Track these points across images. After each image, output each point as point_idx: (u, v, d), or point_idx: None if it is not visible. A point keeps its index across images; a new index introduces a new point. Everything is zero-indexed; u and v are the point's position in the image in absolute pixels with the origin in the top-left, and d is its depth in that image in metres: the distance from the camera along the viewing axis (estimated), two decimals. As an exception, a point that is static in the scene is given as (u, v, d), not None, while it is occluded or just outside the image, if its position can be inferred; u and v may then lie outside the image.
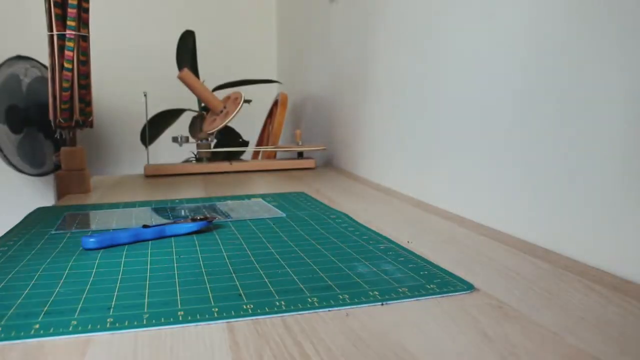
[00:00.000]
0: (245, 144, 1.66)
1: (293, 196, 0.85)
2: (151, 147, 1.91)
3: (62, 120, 0.95)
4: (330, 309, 0.39)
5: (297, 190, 0.93)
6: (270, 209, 0.75)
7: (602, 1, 0.48)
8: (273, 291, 0.43)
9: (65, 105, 0.96)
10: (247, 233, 0.62)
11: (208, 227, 0.64)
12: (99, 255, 0.53)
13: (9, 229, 0.67)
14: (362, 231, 0.62)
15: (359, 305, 0.40)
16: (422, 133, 0.85)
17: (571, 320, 0.37)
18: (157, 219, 0.69)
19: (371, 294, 0.42)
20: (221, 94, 1.35)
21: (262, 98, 1.85)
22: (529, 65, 0.58)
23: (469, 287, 0.44)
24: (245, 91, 1.29)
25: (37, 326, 0.36)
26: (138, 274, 0.47)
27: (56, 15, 0.97)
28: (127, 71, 1.93)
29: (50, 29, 0.98)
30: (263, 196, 0.86)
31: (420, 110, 0.85)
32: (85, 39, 1.00)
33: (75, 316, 0.38)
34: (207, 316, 0.38)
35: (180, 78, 1.25)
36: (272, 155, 1.47)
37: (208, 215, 0.67)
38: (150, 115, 1.60)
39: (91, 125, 0.99)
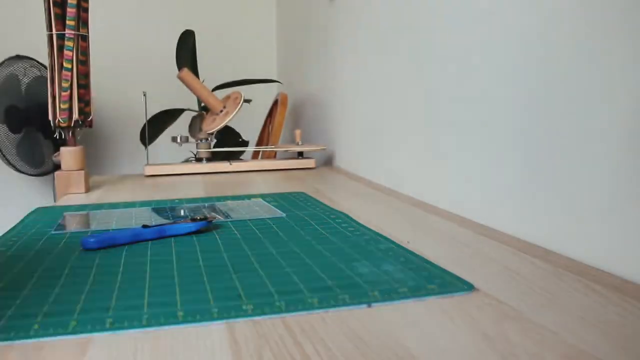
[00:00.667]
0: (245, 143, 1.66)
1: (293, 196, 0.85)
2: (151, 147, 1.91)
3: (61, 120, 0.95)
4: (329, 309, 0.39)
5: (297, 190, 0.92)
6: (270, 209, 0.75)
7: (604, 1, 0.48)
8: (273, 291, 0.42)
9: (65, 105, 0.95)
10: (247, 233, 0.62)
11: (208, 227, 0.64)
12: (98, 255, 0.53)
13: (8, 228, 0.67)
14: (362, 231, 0.62)
15: (359, 306, 0.40)
16: (422, 133, 0.85)
17: (571, 320, 0.37)
18: (157, 219, 0.69)
19: (371, 293, 0.42)
20: (221, 94, 1.35)
21: (262, 98, 1.85)
22: (529, 66, 0.58)
23: (469, 287, 0.43)
24: (245, 91, 1.29)
25: (36, 327, 0.36)
26: (138, 274, 0.47)
27: (55, 14, 0.97)
28: (127, 71, 1.93)
29: (49, 28, 0.98)
30: (263, 196, 0.86)
31: (420, 110, 0.85)
32: (85, 38, 1.00)
33: (75, 316, 0.38)
34: (207, 316, 0.38)
35: (180, 78, 1.25)
36: (272, 155, 1.47)
37: (208, 215, 0.67)
38: (150, 115, 1.60)
39: (90, 125, 0.99)
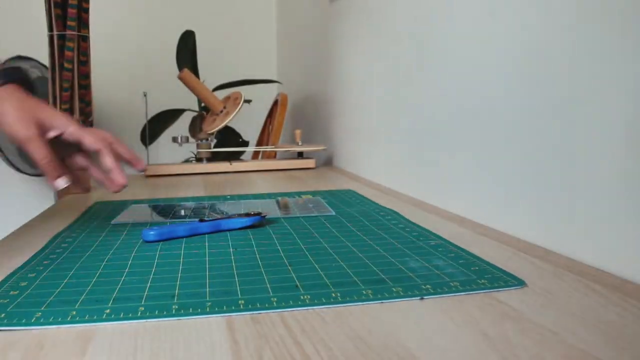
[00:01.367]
0: (245, 144, 1.66)
1: (342, 194, 0.88)
2: (151, 147, 1.91)
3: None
4: (382, 301, 0.40)
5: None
6: (321, 206, 0.77)
7: (604, 2, 0.48)
8: (329, 283, 0.44)
9: (65, 106, 0.96)
10: (299, 228, 0.64)
11: (261, 222, 0.66)
12: (159, 247, 0.56)
13: (9, 228, 0.68)
14: (412, 227, 0.63)
15: (411, 299, 0.41)
16: (422, 133, 0.85)
17: (571, 320, 0.37)
18: (211, 215, 0.72)
19: (424, 287, 0.43)
20: (221, 94, 1.35)
21: (262, 98, 1.85)
22: (529, 66, 0.58)
23: (519, 282, 0.44)
24: (245, 91, 1.29)
25: (108, 311, 0.39)
26: (198, 265, 0.50)
27: (56, 15, 0.97)
28: (128, 71, 1.93)
29: (50, 29, 0.99)
30: (312, 193, 0.87)
31: (420, 110, 0.85)
32: (85, 39, 1.00)
33: (142, 303, 0.40)
34: (266, 305, 0.39)
35: (181, 78, 1.25)
36: (272, 155, 1.47)
37: (261, 211, 0.69)
38: (150, 116, 1.60)
39: (91, 125, 0.99)
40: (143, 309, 0.39)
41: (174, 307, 0.39)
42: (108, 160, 0.58)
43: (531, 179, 0.59)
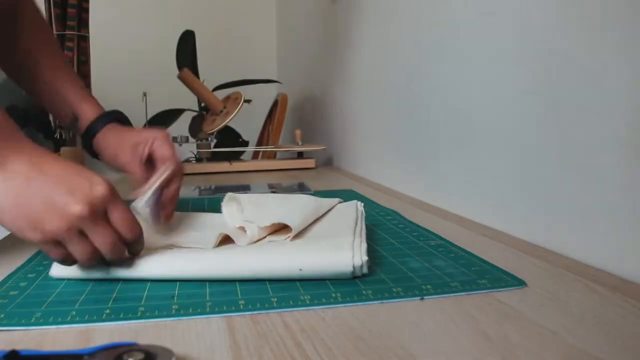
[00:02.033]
0: (245, 144, 1.66)
1: (342, 194, 0.87)
2: (151, 147, 1.90)
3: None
4: (382, 301, 0.40)
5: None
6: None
7: (604, 3, 0.48)
8: (328, 283, 0.44)
9: (65, 105, 0.95)
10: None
11: None
12: None
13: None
14: (413, 228, 0.63)
15: (411, 299, 0.41)
16: (422, 133, 0.85)
17: (571, 320, 0.37)
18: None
19: (424, 287, 0.43)
20: (221, 94, 1.35)
21: (262, 98, 1.85)
22: (529, 66, 0.58)
23: (520, 282, 0.44)
24: (245, 91, 1.29)
25: (107, 311, 0.39)
26: None
27: (56, 15, 0.97)
28: (127, 71, 1.93)
29: (50, 29, 0.98)
30: (312, 193, 0.87)
31: (420, 110, 0.85)
32: (85, 39, 1.00)
33: (142, 303, 0.41)
34: (266, 305, 0.40)
35: (180, 78, 1.25)
36: (272, 155, 1.47)
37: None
38: (150, 116, 1.60)
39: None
40: (143, 309, 0.39)
41: (174, 307, 0.39)
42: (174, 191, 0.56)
43: (531, 179, 0.59)
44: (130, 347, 0.30)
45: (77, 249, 0.41)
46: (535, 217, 0.58)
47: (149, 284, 0.44)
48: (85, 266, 0.43)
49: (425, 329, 0.36)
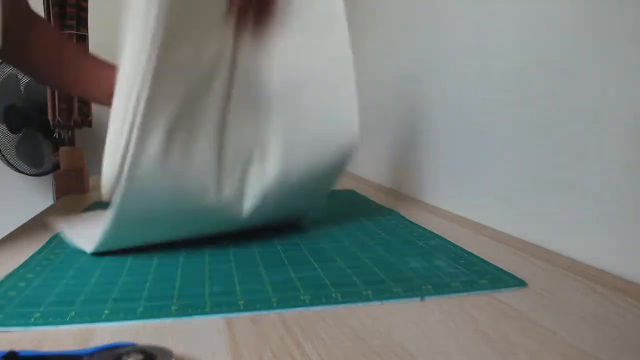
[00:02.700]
0: (245, 143, 1.66)
1: (342, 194, 0.88)
2: (150, 147, 1.90)
3: (60, 120, 0.95)
4: (382, 301, 0.40)
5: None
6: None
7: (607, 1, 0.48)
8: (328, 284, 0.44)
9: (64, 105, 0.95)
10: (299, 227, 0.63)
11: None
12: (159, 246, 0.54)
13: (8, 228, 0.67)
14: (413, 228, 0.63)
15: (411, 299, 0.41)
16: (421, 132, 0.85)
17: (571, 320, 0.37)
18: None
19: (424, 287, 0.43)
20: (220, 94, 1.35)
21: (261, 98, 1.85)
22: (529, 67, 0.58)
23: (521, 283, 0.44)
24: (244, 91, 1.29)
25: (107, 311, 0.38)
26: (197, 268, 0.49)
27: (54, 14, 0.97)
28: (126, 71, 1.92)
29: (49, 28, 0.98)
30: None
31: (420, 110, 0.85)
32: (84, 38, 1.00)
33: (142, 303, 0.40)
34: (266, 305, 0.39)
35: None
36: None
37: None
38: (149, 115, 1.60)
39: (90, 125, 0.99)
40: (142, 309, 0.39)
41: (173, 307, 0.39)
42: None
43: (531, 179, 0.59)
44: (130, 348, 0.30)
45: None
46: (535, 217, 0.58)
47: (148, 283, 0.44)
48: None
49: (425, 329, 0.36)
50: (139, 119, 0.43)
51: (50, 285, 0.44)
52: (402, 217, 0.69)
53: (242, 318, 0.38)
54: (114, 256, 0.53)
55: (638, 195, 0.45)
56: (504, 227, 0.63)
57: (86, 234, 0.48)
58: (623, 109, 0.47)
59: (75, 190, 0.94)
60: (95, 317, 0.37)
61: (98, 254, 0.53)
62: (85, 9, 0.99)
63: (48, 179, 1.86)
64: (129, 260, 0.51)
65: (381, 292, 0.42)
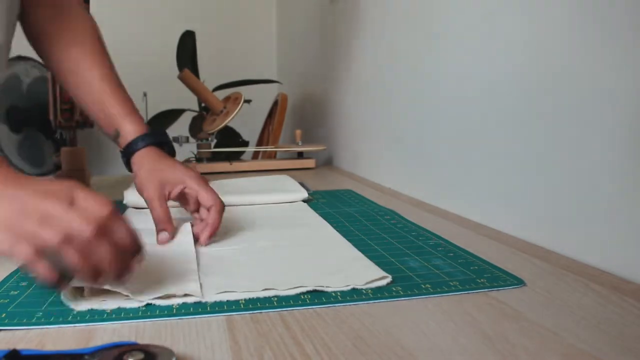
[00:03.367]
0: (245, 144, 1.66)
1: (342, 194, 0.88)
2: (151, 147, 1.90)
3: (62, 121, 0.95)
4: (382, 300, 0.41)
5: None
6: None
7: (605, 2, 0.48)
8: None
9: (66, 106, 0.96)
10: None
11: None
12: None
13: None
14: (411, 227, 0.63)
15: (412, 297, 0.41)
16: (422, 133, 0.85)
17: (571, 320, 0.37)
18: None
19: (423, 286, 0.43)
20: (221, 94, 1.35)
21: (262, 98, 1.85)
22: (528, 66, 0.58)
23: (519, 281, 0.44)
24: (245, 91, 1.29)
25: (108, 311, 0.37)
26: None
27: (56, 15, 0.97)
28: (128, 72, 1.93)
29: (50, 29, 0.98)
30: (312, 193, 0.87)
31: (420, 110, 0.85)
32: (86, 39, 1.00)
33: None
34: (266, 305, 0.40)
35: (181, 78, 1.25)
36: (272, 156, 1.47)
37: None
38: (150, 116, 1.60)
39: (91, 125, 0.99)
40: (143, 308, 0.39)
41: (174, 307, 0.39)
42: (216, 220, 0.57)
43: (531, 179, 0.59)
44: (131, 347, 0.30)
45: (73, 258, 0.35)
46: (535, 217, 0.58)
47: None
48: (84, 279, 0.37)
49: (424, 328, 0.36)
50: None
51: (52, 285, 0.44)
52: (400, 216, 0.69)
53: (242, 317, 0.38)
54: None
55: (638, 195, 0.45)
56: (503, 226, 0.63)
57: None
58: (624, 109, 0.47)
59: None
60: (97, 317, 0.38)
61: None
62: (87, 10, 0.99)
63: (49, 180, 1.86)
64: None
65: (380, 291, 0.42)
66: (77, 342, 0.34)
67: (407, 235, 0.59)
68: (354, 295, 0.41)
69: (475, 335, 0.35)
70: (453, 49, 0.75)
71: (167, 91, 1.81)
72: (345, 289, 0.42)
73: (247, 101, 1.39)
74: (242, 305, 0.39)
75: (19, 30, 0.73)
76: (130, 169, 0.64)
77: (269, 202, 0.78)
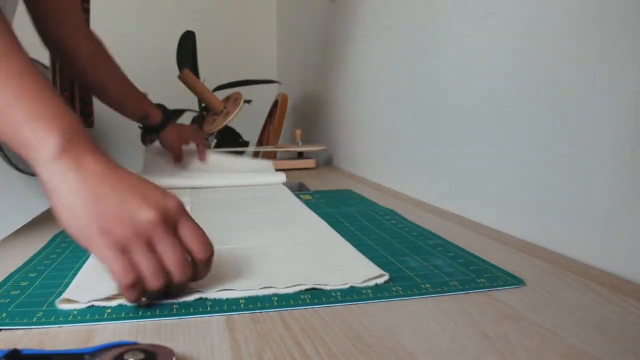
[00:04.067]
0: (245, 144, 1.66)
1: (342, 194, 0.88)
2: (151, 147, 1.90)
3: (62, 121, 0.95)
4: (382, 300, 0.41)
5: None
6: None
7: (605, 2, 0.48)
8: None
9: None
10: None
11: None
12: None
13: (10, 227, 0.68)
14: (411, 227, 0.63)
15: (412, 297, 0.41)
16: (421, 133, 0.85)
17: (571, 320, 0.37)
18: None
19: (423, 286, 0.43)
20: (221, 94, 1.35)
21: (262, 98, 1.85)
22: (529, 65, 0.59)
23: (518, 281, 0.44)
24: (245, 91, 1.29)
25: (109, 310, 0.37)
26: None
27: (56, 15, 0.97)
28: (127, 71, 1.93)
29: (50, 29, 0.98)
30: (312, 193, 0.88)
31: (420, 110, 0.85)
32: (86, 39, 0.99)
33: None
34: (266, 305, 0.40)
35: (181, 79, 1.25)
36: (272, 155, 1.47)
37: None
38: (150, 115, 1.60)
39: (92, 125, 0.99)
40: (144, 308, 0.39)
41: (174, 306, 0.39)
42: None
43: (531, 179, 0.59)
44: (131, 347, 0.30)
45: (143, 260, 0.37)
46: (535, 217, 0.58)
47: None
48: (151, 286, 0.38)
49: (424, 328, 0.36)
50: None
51: (53, 285, 0.44)
52: (400, 216, 0.69)
53: (242, 317, 0.38)
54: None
55: (638, 195, 0.45)
56: (504, 226, 0.63)
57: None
58: (624, 108, 0.47)
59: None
60: (97, 317, 0.38)
61: None
62: (88, 10, 0.99)
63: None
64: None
65: (380, 291, 0.42)
66: (77, 342, 0.34)
67: (407, 235, 0.59)
68: (354, 295, 0.41)
69: (475, 335, 0.35)
70: (453, 49, 0.75)
71: (167, 91, 1.81)
72: (343, 287, 0.42)
73: (247, 101, 1.39)
74: (242, 305, 0.40)
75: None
76: (145, 142, 1.05)
77: (249, 183, 0.96)
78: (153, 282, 0.38)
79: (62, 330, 0.36)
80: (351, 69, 1.18)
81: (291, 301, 0.40)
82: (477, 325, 0.36)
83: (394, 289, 0.43)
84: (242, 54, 2.10)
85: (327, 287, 0.42)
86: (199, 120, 1.33)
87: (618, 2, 0.47)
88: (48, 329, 0.36)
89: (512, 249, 0.55)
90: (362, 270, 0.45)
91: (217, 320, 0.37)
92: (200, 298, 0.41)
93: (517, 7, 0.60)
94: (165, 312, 0.38)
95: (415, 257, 0.51)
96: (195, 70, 1.55)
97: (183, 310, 0.39)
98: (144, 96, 1.00)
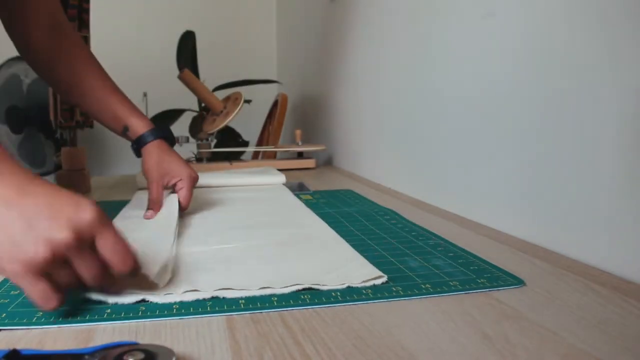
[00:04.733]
0: (245, 144, 1.66)
1: (342, 194, 0.88)
2: (151, 147, 1.90)
3: (62, 121, 0.95)
4: (382, 300, 0.41)
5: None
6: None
7: (601, 2, 0.48)
8: None
9: (66, 106, 0.96)
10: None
11: None
12: None
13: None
14: (411, 227, 0.63)
15: (412, 297, 0.41)
16: (421, 133, 0.85)
17: (571, 320, 0.37)
18: None
19: (423, 286, 0.43)
20: (221, 94, 1.35)
21: (262, 98, 1.85)
22: (528, 65, 0.58)
23: (519, 281, 0.44)
24: (245, 91, 1.29)
25: (108, 311, 0.37)
26: None
27: (56, 15, 0.97)
28: (128, 72, 1.93)
29: (50, 29, 0.98)
30: (312, 193, 0.88)
31: (420, 111, 0.85)
32: (86, 39, 1.00)
33: (142, 302, 0.39)
34: (266, 305, 0.40)
35: (181, 79, 1.25)
36: (272, 155, 1.47)
37: None
38: (150, 116, 1.60)
39: (91, 125, 0.99)
40: (144, 308, 0.39)
41: (174, 306, 0.39)
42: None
43: (531, 179, 0.59)
44: (131, 347, 0.30)
45: (59, 277, 0.37)
46: (535, 217, 0.58)
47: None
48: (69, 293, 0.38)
49: (424, 328, 0.36)
50: None
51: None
52: (400, 216, 0.69)
53: (242, 317, 0.38)
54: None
55: (637, 195, 0.45)
56: (503, 226, 0.63)
57: None
58: (624, 109, 0.47)
59: (77, 190, 0.94)
60: (97, 317, 0.38)
61: None
62: (87, 11, 0.99)
63: (50, 179, 1.86)
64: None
65: (381, 291, 0.42)
66: (77, 342, 0.34)
67: (407, 235, 0.59)
68: (354, 295, 0.41)
69: (475, 335, 0.35)
70: (453, 49, 0.75)
71: (167, 91, 1.81)
72: (340, 287, 0.42)
73: (247, 101, 1.39)
74: (242, 305, 0.40)
75: None
76: (138, 155, 0.75)
77: (249, 183, 0.95)
78: (73, 290, 0.38)
79: (61, 330, 0.36)
80: (351, 68, 1.18)
81: (291, 301, 0.40)
82: (477, 325, 0.36)
83: (394, 289, 0.43)
84: (242, 54, 2.10)
85: (325, 288, 0.42)
86: (198, 120, 1.33)
87: (618, 2, 0.47)
88: (48, 329, 0.36)
89: (512, 249, 0.55)
90: (360, 271, 0.45)
91: (217, 320, 0.37)
92: (200, 298, 0.41)
93: (517, 7, 0.60)
94: (165, 312, 0.38)
95: (415, 257, 0.51)
96: (195, 70, 1.55)
97: (183, 310, 0.39)
98: (128, 105, 0.76)
